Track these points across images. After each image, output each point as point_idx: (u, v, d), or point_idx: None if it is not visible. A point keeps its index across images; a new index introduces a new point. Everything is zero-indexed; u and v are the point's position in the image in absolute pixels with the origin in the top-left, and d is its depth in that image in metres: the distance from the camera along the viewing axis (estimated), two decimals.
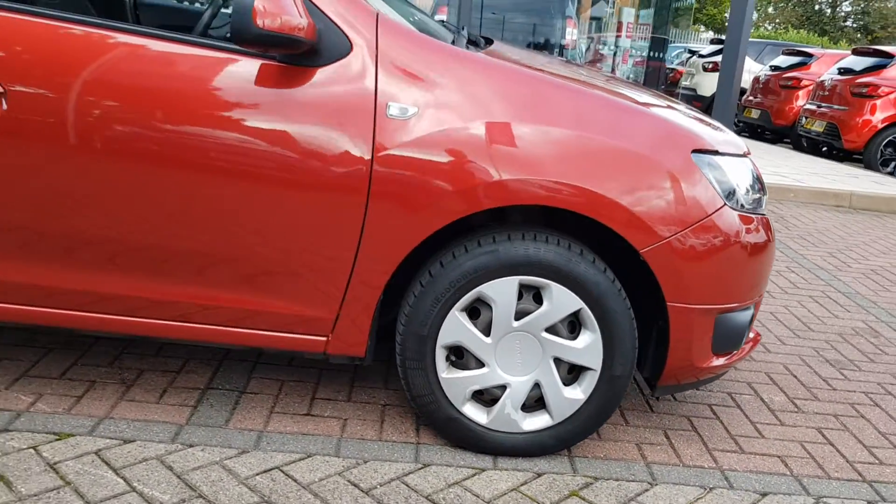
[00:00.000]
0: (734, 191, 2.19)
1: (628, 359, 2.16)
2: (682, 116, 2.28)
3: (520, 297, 2.13)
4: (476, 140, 2.00)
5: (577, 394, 2.19)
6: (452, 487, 2.07)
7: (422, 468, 2.15)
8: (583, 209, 2.02)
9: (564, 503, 2.05)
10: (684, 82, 14.25)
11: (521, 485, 2.12)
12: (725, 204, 2.15)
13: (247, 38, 1.83)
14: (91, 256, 2.07)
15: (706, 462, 2.34)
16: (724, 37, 18.52)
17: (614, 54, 10.96)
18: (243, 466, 2.07)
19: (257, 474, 2.04)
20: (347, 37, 2.00)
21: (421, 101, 2.01)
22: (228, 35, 1.92)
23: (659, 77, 10.99)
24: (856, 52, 10.29)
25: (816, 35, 41.87)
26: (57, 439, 2.09)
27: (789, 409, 2.75)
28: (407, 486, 2.06)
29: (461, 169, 2.00)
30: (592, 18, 11.02)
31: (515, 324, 2.13)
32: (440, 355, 2.15)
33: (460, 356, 2.19)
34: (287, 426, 2.29)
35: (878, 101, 9.24)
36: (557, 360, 2.17)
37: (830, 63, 11.11)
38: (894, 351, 3.43)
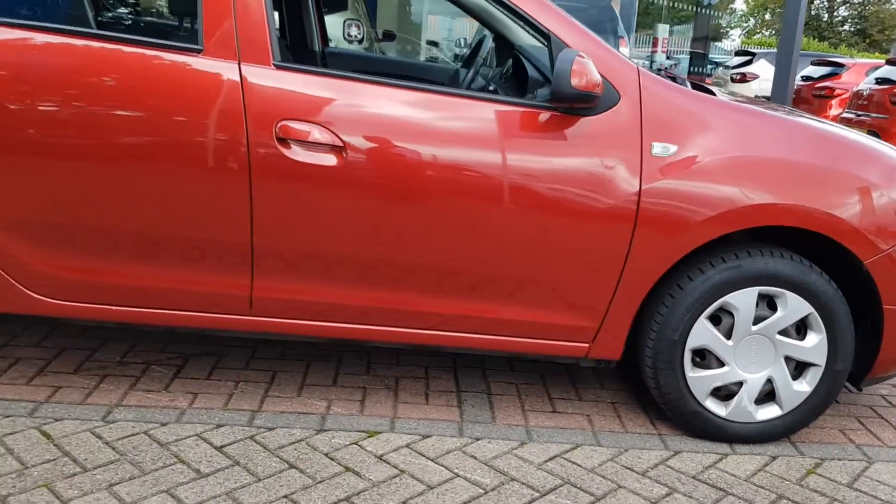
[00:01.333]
0: None
1: (848, 355, 2.52)
2: (883, 145, 2.65)
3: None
4: (728, 171, 2.37)
5: (804, 387, 2.55)
6: (709, 469, 2.43)
7: (675, 454, 2.50)
8: (825, 230, 2.39)
9: (806, 479, 2.41)
10: None
11: (765, 466, 2.47)
12: None
13: (566, 97, 2.20)
14: (414, 282, 2.42)
15: None
16: (749, 48, 18.73)
17: (658, 70, 11.34)
18: (531, 455, 2.42)
19: (546, 461, 2.39)
20: (617, 90, 2.37)
21: (679, 140, 2.38)
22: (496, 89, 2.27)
23: None
24: (890, 63, 10.69)
25: (815, 40, 42.45)
26: (368, 436, 2.44)
27: None
28: (672, 469, 2.41)
29: (715, 197, 2.36)
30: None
31: (753, 328, 2.49)
32: (687, 357, 2.51)
33: (702, 357, 2.55)
34: (544, 422, 2.64)
35: None
36: (787, 358, 2.53)
37: (861, 72, 11.54)
38: None
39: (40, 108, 2.24)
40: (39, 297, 2.40)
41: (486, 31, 3.07)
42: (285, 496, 2.10)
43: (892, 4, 48.59)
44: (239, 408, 2.55)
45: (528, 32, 2.45)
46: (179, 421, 2.44)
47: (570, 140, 2.35)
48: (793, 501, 2.27)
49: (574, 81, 2.18)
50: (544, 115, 2.36)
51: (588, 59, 2.22)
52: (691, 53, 10.97)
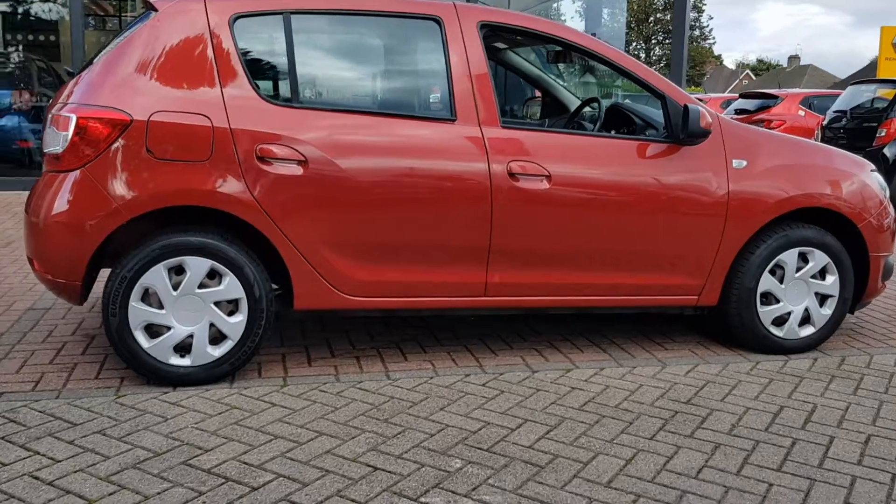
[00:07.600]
0: (886, 191, 4.05)
1: (851, 288, 3.95)
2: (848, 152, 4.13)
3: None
4: (776, 175, 3.74)
5: (827, 311, 3.95)
6: (784, 367, 3.74)
7: (756, 364, 3.80)
8: (839, 209, 3.80)
9: (841, 367, 3.78)
10: None
11: (814, 364, 3.82)
12: (883, 201, 3.99)
13: (697, 133, 3.49)
14: (594, 264, 3.60)
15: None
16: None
17: None
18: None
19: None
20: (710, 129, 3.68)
21: (746, 158, 3.72)
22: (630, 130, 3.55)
23: None
24: (743, 96, 12.96)
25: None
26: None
27: None
28: (764, 369, 3.71)
29: (773, 192, 3.72)
30: None
31: (796, 275, 3.87)
32: (758, 299, 3.84)
33: (766, 298, 3.87)
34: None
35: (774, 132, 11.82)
36: (815, 293, 3.92)
37: (795, 102, 12.66)
38: None
39: (355, 166, 3.27)
40: (347, 296, 3.38)
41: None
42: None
43: (705, 42, 54.47)
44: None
45: (650, 92, 3.73)
46: None
47: (688, 160, 3.64)
48: (839, 378, 3.63)
49: (702, 123, 3.49)
50: (660, 147, 3.64)
51: (704, 109, 3.54)
52: None
